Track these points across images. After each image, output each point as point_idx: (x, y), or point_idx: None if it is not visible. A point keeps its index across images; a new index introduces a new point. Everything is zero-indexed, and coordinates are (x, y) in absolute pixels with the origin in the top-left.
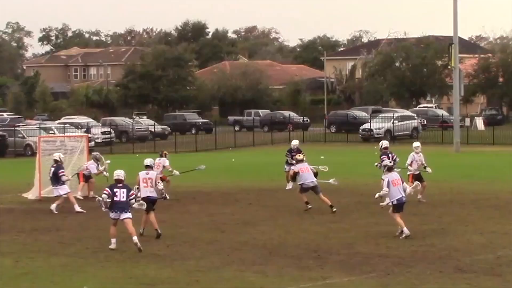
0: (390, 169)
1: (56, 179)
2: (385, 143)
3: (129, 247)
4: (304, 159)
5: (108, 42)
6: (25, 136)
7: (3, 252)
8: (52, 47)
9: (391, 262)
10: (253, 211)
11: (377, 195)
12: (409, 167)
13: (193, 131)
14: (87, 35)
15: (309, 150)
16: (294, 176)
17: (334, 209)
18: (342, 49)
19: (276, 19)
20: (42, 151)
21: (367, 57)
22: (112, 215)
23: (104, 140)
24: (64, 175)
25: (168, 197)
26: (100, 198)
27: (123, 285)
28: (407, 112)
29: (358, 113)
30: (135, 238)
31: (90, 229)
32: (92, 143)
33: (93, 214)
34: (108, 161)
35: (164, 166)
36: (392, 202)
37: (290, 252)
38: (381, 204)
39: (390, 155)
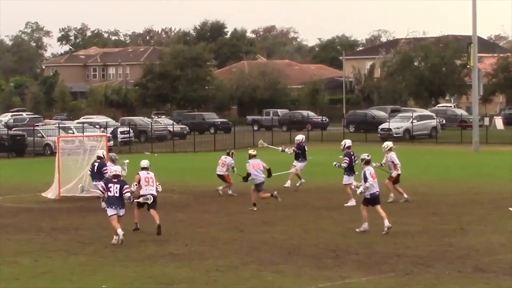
0: (367, 162)
1: (100, 175)
2: (348, 142)
3: (148, 247)
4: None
5: (127, 42)
6: (44, 135)
7: (22, 251)
8: (71, 47)
9: (409, 262)
10: (272, 210)
11: (359, 190)
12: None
13: (212, 131)
14: (106, 35)
15: (327, 149)
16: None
17: (255, 208)
18: (360, 48)
19: (294, 19)
20: (61, 151)
21: (386, 56)
22: (110, 211)
23: (123, 139)
24: (107, 172)
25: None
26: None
27: (141, 285)
28: (426, 112)
29: (376, 112)
30: (120, 231)
31: (108, 229)
32: (111, 142)
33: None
34: (127, 161)
35: (229, 165)
36: (365, 195)
37: (309, 252)
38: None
39: (353, 156)
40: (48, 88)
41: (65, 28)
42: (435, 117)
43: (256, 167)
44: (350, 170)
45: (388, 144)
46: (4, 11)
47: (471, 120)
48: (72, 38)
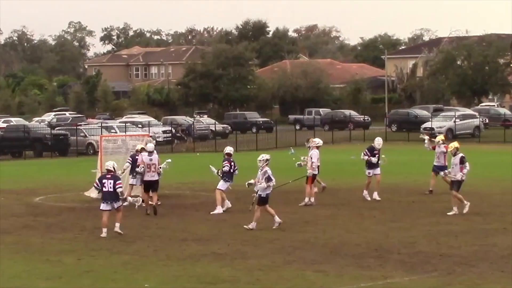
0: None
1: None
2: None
3: (190, 246)
4: None
5: (169, 41)
6: (87, 135)
7: (65, 250)
8: (113, 47)
9: (452, 262)
10: (314, 210)
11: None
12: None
13: (254, 130)
14: (148, 35)
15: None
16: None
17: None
18: (403, 47)
19: (336, 18)
20: (104, 150)
21: (428, 55)
22: (103, 206)
23: (165, 139)
24: (160, 167)
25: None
26: (130, 199)
27: (184, 284)
28: (468, 111)
29: (419, 111)
30: (117, 226)
31: (151, 228)
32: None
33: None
34: (169, 160)
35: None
36: (262, 194)
37: (351, 251)
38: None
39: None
40: (91, 88)
41: (107, 27)
42: (478, 116)
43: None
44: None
45: (317, 141)
46: (48, 11)
47: None
48: (114, 37)
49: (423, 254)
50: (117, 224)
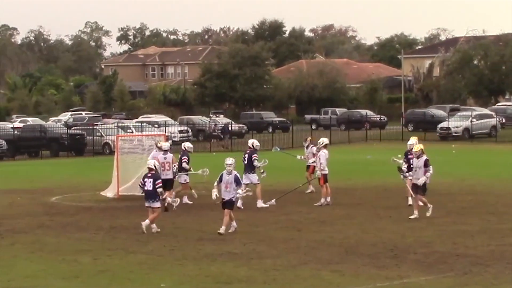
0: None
1: (250, 166)
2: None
3: (206, 246)
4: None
5: (185, 41)
6: (103, 134)
7: (81, 249)
8: (130, 46)
9: (468, 262)
10: (330, 209)
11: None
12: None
13: (270, 130)
14: (164, 34)
15: (386, 148)
16: None
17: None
18: (419, 47)
19: (353, 17)
20: (120, 150)
21: (445, 55)
22: (146, 203)
23: (181, 138)
24: (256, 159)
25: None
26: (169, 199)
27: (199, 283)
28: (485, 111)
29: (435, 111)
30: (146, 222)
31: (167, 227)
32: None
33: (171, 213)
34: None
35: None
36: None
37: (367, 251)
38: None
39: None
40: (107, 88)
41: (124, 27)
42: (495, 116)
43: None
44: None
45: (324, 140)
46: (64, 11)
47: None
48: (131, 37)
49: (439, 254)
50: (147, 221)
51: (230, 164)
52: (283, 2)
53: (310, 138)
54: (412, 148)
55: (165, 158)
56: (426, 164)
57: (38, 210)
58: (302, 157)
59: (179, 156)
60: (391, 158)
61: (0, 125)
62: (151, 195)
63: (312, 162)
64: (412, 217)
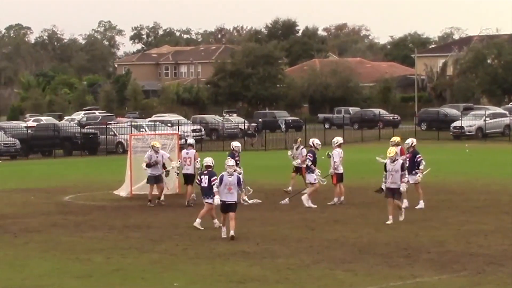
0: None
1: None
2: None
3: (219, 245)
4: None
5: (199, 40)
6: (117, 133)
7: (95, 249)
8: (143, 46)
9: (482, 261)
10: (343, 209)
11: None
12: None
13: (283, 129)
14: (178, 34)
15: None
16: None
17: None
18: (433, 46)
19: (366, 16)
20: (133, 149)
21: (459, 54)
22: (207, 200)
23: (194, 137)
24: (310, 159)
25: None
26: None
27: (213, 283)
28: (499, 110)
29: (449, 110)
30: (198, 221)
31: (180, 227)
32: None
33: (184, 211)
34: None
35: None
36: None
37: (380, 250)
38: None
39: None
40: (121, 87)
41: (137, 27)
42: (508, 115)
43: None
44: None
45: (338, 139)
46: (78, 11)
47: None
48: (144, 36)
49: (452, 253)
50: (198, 220)
51: (231, 166)
52: (297, 1)
53: (300, 139)
54: (410, 146)
55: (187, 153)
56: (403, 168)
57: (51, 209)
58: (291, 154)
59: (227, 156)
60: (376, 158)
61: (14, 124)
62: (207, 191)
63: (299, 164)
64: (388, 222)
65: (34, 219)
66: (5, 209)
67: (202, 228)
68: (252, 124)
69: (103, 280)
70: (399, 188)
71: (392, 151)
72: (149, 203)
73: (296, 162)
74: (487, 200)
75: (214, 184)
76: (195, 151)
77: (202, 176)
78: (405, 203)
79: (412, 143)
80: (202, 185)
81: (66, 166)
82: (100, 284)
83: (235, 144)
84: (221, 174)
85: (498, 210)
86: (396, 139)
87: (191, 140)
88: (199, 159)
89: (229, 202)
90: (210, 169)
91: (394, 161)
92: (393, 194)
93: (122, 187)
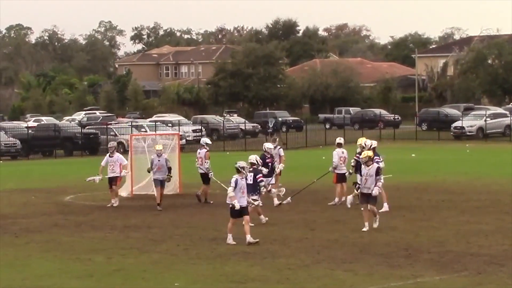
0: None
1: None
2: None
3: (220, 245)
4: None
5: (199, 40)
6: (117, 134)
7: (95, 249)
8: (143, 46)
9: (483, 261)
10: (343, 209)
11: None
12: None
13: (284, 129)
14: (178, 34)
15: (400, 148)
16: None
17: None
18: (433, 46)
19: (367, 17)
20: (134, 149)
21: (459, 54)
22: (253, 197)
23: (195, 138)
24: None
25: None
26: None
27: (213, 283)
28: (499, 110)
29: (449, 110)
30: (262, 218)
31: (181, 227)
32: (183, 140)
33: (185, 211)
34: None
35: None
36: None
37: (380, 250)
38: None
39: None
40: (121, 87)
41: (138, 27)
42: (509, 115)
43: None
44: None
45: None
46: (78, 11)
47: None
48: (145, 37)
49: (453, 253)
50: (248, 236)
51: (244, 167)
52: (297, 1)
53: (278, 138)
54: (369, 148)
55: (199, 153)
56: (378, 173)
57: (52, 209)
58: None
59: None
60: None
61: (14, 124)
62: (252, 188)
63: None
64: (364, 229)
65: (35, 219)
66: (6, 209)
67: (252, 225)
68: (271, 122)
69: (104, 280)
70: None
71: (365, 154)
72: (158, 207)
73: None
74: (488, 200)
75: (260, 181)
76: (206, 150)
77: (248, 174)
78: (385, 207)
79: (371, 145)
80: (248, 182)
81: (66, 166)
82: (101, 284)
83: (267, 145)
84: (235, 178)
85: (498, 210)
86: (362, 140)
87: (203, 140)
88: (207, 160)
89: (243, 206)
90: (254, 166)
91: (368, 165)
92: (367, 200)
93: (122, 187)
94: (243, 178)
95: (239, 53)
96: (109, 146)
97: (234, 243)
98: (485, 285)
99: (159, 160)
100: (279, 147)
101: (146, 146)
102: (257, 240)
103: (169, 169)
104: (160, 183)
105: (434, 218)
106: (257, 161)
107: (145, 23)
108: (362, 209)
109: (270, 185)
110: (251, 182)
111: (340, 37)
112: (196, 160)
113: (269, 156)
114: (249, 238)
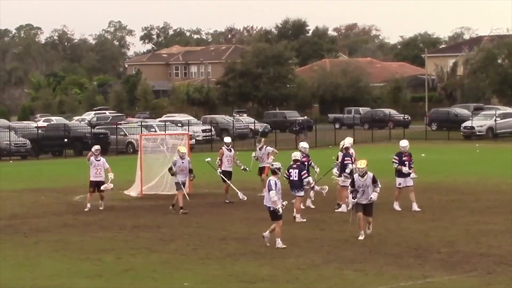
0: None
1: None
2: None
3: (229, 245)
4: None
5: (209, 40)
6: (127, 134)
7: (105, 248)
8: (153, 46)
9: (492, 261)
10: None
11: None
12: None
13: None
14: (188, 34)
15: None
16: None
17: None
18: (443, 46)
19: (376, 16)
20: (144, 149)
21: (469, 54)
22: (298, 194)
23: (204, 138)
24: (350, 163)
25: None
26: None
27: (223, 282)
28: (509, 110)
29: (459, 110)
30: (278, 241)
31: (190, 226)
32: (193, 140)
33: (194, 211)
34: (209, 159)
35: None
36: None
37: (390, 250)
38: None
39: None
40: (131, 87)
41: (147, 27)
42: None
43: None
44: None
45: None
46: (88, 11)
47: None
48: (154, 37)
49: (462, 253)
50: (297, 215)
51: (279, 168)
52: (307, 1)
53: (263, 139)
54: (342, 148)
55: (229, 152)
56: (375, 180)
57: (62, 209)
58: (255, 156)
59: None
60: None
61: (24, 124)
62: (296, 185)
63: (266, 164)
64: (361, 238)
65: (45, 219)
66: (16, 209)
67: (304, 220)
68: (298, 121)
69: (113, 280)
70: (372, 203)
71: (361, 163)
72: (181, 210)
73: (271, 163)
74: (498, 200)
75: (304, 178)
76: (233, 151)
77: (291, 170)
78: (343, 208)
79: (343, 145)
80: (291, 178)
81: (76, 166)
82: (110, 284)
83: (303, 145)
84: (273, 180)
85: (508, 210)
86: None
87: (227, 139)
88: (237, 159)
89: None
90: (298, 163)
91: (363, 175)
92: (364, 210)
93: (132, 187)
94: (279, 180)
95: (248, 53)
96: (95, 148)
97: (284, 246)
98: (495, 285)
99: (182, 162)
100: (265, 146)
101: (157, 145)
102: (285, 246)
103: (191, 170)
104: (183, 185)
105: (444, 218)
106: (300, 157)
107: (154, 23)
108: (357, 218)
109: (314, 182)
110: (296, 178)
111: (349, 37)
112: (301, 157)
113: (305, 155)
114: (279, 242)
